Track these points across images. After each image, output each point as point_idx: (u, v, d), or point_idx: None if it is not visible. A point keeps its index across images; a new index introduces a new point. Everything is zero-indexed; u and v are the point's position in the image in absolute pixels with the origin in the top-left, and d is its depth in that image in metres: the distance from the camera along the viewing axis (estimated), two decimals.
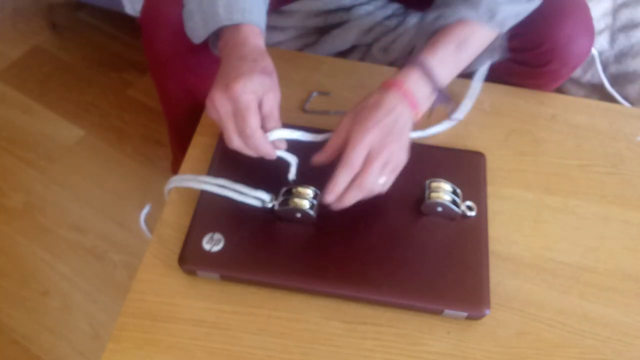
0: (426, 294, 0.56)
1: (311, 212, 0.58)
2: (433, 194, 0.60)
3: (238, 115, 0.52)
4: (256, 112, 0.53)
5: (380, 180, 0.54)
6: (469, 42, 0.60)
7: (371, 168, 0.53)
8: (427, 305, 0.56)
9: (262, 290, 0.57)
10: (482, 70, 0.73)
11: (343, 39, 0.97)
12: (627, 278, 0.61)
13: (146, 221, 0.67)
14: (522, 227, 0.64)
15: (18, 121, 1.33)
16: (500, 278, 0.60)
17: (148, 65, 0.78)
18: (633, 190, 0.69)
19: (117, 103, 1.37)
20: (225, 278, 0.57)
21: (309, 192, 0.59)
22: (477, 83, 0.74)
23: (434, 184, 0.61)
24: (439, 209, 0.60)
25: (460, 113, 0.72)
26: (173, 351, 0.54)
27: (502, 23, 0.61)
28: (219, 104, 0.53)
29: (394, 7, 0.99)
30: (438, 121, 0.71)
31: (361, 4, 0.99)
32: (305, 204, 0.58)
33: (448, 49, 0.58)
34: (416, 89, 0.56)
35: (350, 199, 0.54)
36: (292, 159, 0.59)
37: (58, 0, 1.53)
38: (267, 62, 0.55)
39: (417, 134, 0.69)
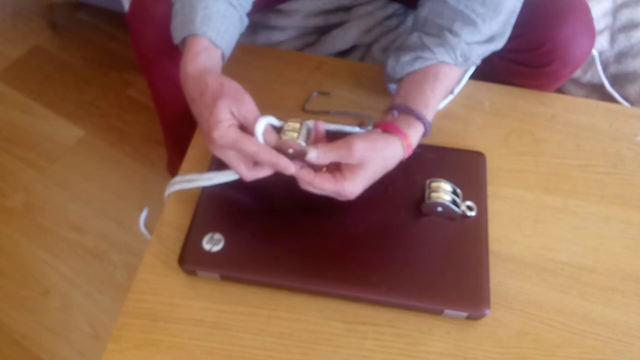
0: (426, 294, 0.56)
1: (303, 144, 0.54)
2: (433, 194, 0.60)
3: (238, 150, 0.53)
4: (246, 135, 0.53)
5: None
6: (450, 88, 0.65)
7: (355, 193, 0.56)
8: (427, 305, 0.56)
9: (262, 290, 0.57)
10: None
11: (343, 39, 0.97)
12: (627, 278, 0.61)
13: (146, 222, 0.67)
14: (522, 227, 0.64)
15: (18, 121, 1.33)
16: (500, 278, 0.60)
17: (137, 62, 0.78)
18: (633, 190, 0.69)
19: (117, 103, 1.37)
20: (225, 278, 0.57)
21: (296, 125, 0.55)
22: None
23: (434, 184, 0.61)
24: (439, 209, 0.60)
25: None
26: (173, 351, 0.54)
27: (474, 63, 0.65)
28: (217, 154, 0.54)
29: (394, 7, 0.99)
30: None
31: (361, 4, 0.99)
32: (300, 137, 0.54)
33: (437, 99, 0.62)
34: (414, 142, 0.60)
35: (322, 189, 0.55)
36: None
37: (58, 0, 1.53)
38: (209, 81, 0.54)
39: None
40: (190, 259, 0.57)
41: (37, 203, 1.19)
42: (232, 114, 0.53)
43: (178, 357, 0.53)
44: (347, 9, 0.99)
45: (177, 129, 0.91)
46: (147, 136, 1.30)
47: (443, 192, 0.60)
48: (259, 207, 0.61)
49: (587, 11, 0.71)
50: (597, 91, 0.99)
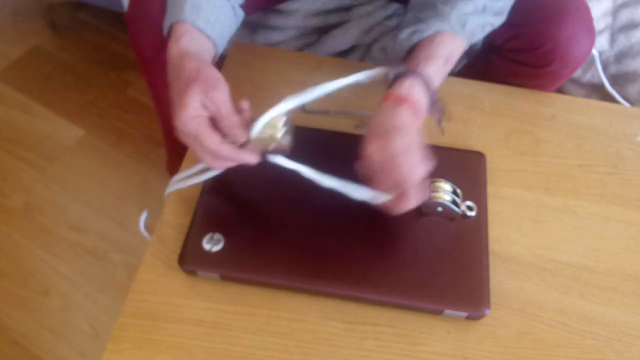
0: (426, 294, 0.56)
1: (285, 140, 0.54)
2: (433, 194, 0.60)
3: (197, 142, 0.51)
4: (208, 130, 0.50)
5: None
6: (453, 56, 0.62)
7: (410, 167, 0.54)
8: (427, 305, 0.56)
9: (262, 290, 0.57)
10: None
11: (343, 39, 0.97)
12: (627, 278, 0.61)
13: (146, 224, 0.67)
14: (522, 227, 0.64)
15: (18, 121, 1.33)
16: (500, 278, 0.60)
17: (137, 62, 0.78)
18: (633, 190, 0.69)
19: (117, 103, 1.37)
20: (225, 278, 0.57)
21: (277, 122, 0.54)
22: None
23: (434, 184, 0.61)
24: (439, 209, 0.60)
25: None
26: (173, 351, 0.54)
27: (471, 34, 0.63)
28: (185, 139, 0.52)
29: (394, 7, 0.99)
30: None
31: (361, 4, 0.99)
32: (279, 132, 0.53)
33: (439, 62, 0.60)
34: (420, 100, 0.57)
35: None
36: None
37: (58, 0, 1.53)
38: (187, 65, 0.52)
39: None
40: (190, 259, 0.57)
41: (37, 203, 1.19)
42: (204, 104, 0.50)
43: (178, 357, 0.53)
44: (347, 9, 0.99)
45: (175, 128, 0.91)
46: (147, 136, 1.30)
47: (443, 192, 0.60)
48: (259, 207, 0.61)
49: (587, 11, 0.72)
50: (597, 91, 0.99)
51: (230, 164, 0.54)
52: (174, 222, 0.62)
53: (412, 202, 0.53)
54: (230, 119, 0.51)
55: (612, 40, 0.95)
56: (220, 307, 0.56)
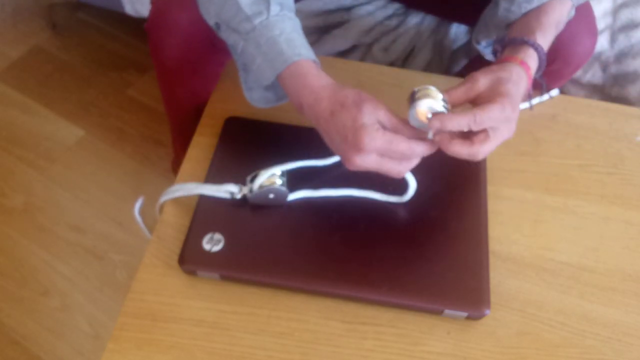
0: (426, 294, 0.56)
1: (283, 189, 0.58)
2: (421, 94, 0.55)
3: (389, 154, 0.52)
4: (395, 136, 0.52)
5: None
6: (562, 22, 0.62)
7: (490, 144, 0.53)
8: (427, 305, 0.56)
9: (262, 290, 0.57)
10: None
11: (343, 38, 0.97)
12: (627, 278, 0.61)
13: (143, 219, 0.66)
14: (522, 227, 0.64)
15: (18, 121, 1.33)
16: (500, 278, 0.60)
17: (155, 70, 0.77)
18: (633, 190, 0.69)
19: (117, 103, 1.37)
20: (225, 278, 0.57)
21: (275, 171, 0.58)
22: None
23: (423, 91, 0.54)
24: (429, 115, 0.54)
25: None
26: (173, 351, 0.54)
27: None
28: (367, 163, 0.53)
29: (395, 7, 0.99)
30: None
31: (361, 4, 0.99)
32: (277, 181, 0.58)
33: (552, 32, 0.61)
34: (532, 70, 0.58)
35: (452, 151, 0.53)
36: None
37: (58, 0, 1.53)
38: (347, 92, 0.54)
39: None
40: (190, 259, 0.57)
41: (37, 203, 1.19)
42: (377, 120, 0.52)
43: (178, 357, 0.53)
44: (347, 9, 0.99)
45: (188, 130, 0.91)
46: (147, 136, 1.30)
47: (434, 99, 0.54)
48: (259, 207, 0.61)
49: (589, 11, 0.71)
50: (598, 91, 0.99)
51: (413, 165, 0.55)
52: (174, 222, 0.62)
53: (484, 150, 0.53)
54: (401, 126, 0.53)
55: (612, 40, 0.95)
56: (220, 307, 0.56)
